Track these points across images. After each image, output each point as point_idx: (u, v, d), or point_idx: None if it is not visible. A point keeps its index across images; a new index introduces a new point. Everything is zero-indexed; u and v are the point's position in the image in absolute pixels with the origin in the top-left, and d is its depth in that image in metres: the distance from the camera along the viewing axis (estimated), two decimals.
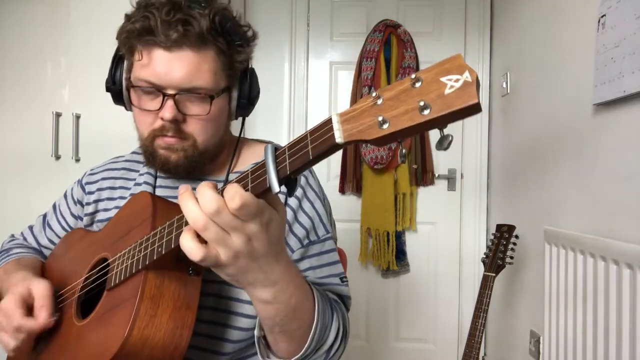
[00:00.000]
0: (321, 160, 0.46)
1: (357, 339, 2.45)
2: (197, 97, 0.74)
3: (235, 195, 0.48)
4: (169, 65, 0.72)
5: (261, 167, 0.50)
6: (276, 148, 0.49)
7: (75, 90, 1.76)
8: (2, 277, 0.82)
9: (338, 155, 2.42)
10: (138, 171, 0.91)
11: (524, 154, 1.89)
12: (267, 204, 0.51)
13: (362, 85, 2.35)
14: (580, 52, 1.41)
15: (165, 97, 0.73)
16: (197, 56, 0.73)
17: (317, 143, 0.45)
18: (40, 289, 0.73)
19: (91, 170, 0.96)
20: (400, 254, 2.37)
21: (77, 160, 1.75)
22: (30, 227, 1.00)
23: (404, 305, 2.44)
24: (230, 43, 0.76)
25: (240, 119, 0.88)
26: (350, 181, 2.39)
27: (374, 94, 0.42)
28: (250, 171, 0.51)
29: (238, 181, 0.51)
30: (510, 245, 1.67)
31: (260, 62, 2.50)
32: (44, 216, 0.99)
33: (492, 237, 1.72)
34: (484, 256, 1.70)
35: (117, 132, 1.61)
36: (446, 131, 0.41)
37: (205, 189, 0.49)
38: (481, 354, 1.74)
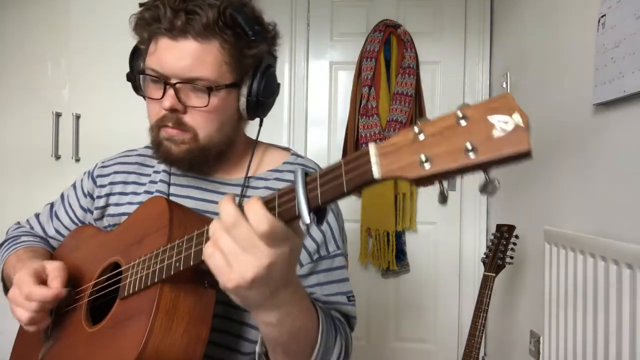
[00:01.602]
0: (355, 192, 0.43)
1: (357, 339, 2.44)
2: (198, 88, 0.73)
3: (263, 220, 0.47)
4: (171, 53, 0.72)
5: (290, 191, 0.47)
6: (306, 173, 0.47)
7: (75, 90, 1.76)
8: (15, 264, 0.82)
9: (338, 156, 2.42)
10: (152, 167, 0.89)
11: None
12: (292, 231, 0.49)
13: (362, 85, 2.35)
14: (580, 52, 1.41)
15: (167, 86, 0.73)
16: (201, 47, 0.72)
17: (352, 175, 0.42)
18: (54, 264, 0.74)
19: (102, 162, 0.94)
20: (400, 254, 2.37)
21: (77, 160, 1.75)
22: (37, 215, 0.99)
23: (404, 305, 2.44)
24: (240, 36, 0.74)
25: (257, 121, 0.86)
26: None
27: (415, 129, 0.39)
28: (278, 195, 0.49)
29: (265, 203, 0.49)
30: (510, 245, 1.66)
31: None
32: (52, 205, 0.97)
33: (492, 237, 1.72)
34: (484, 256, 1.70)
35: (117, 132, 1.61)
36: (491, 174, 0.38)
37: (225, 202, 0.49)
38: (481, 354, 1.74)
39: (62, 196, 0.97)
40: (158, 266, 0.61)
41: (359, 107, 2.35)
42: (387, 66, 2.36)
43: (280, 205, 0.48)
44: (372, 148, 0.41)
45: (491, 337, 2.28)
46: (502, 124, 0.35)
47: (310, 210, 0.45)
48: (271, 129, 2.45)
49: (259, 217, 0.47)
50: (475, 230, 2.40)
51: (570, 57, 1.48)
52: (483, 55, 2.39)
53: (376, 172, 0.40)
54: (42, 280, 0.73)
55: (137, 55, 0.81)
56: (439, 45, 2.42)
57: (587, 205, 1.36)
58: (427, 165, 0.37)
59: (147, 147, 0.92)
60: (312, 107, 2.49)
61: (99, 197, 0.89)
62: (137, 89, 0.81)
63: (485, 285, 1.66)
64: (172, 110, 0.74)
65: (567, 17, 1.52)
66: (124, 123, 1.38)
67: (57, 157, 1.75)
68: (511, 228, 1.68)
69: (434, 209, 2.42)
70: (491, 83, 2.37)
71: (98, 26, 1.72)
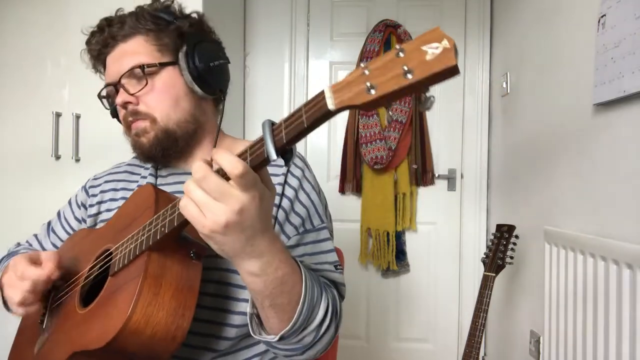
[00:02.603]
0: (315, 128, 0.49)
1: (357, 339, 2.45)
2: (136, 75, 0.82)
3: (238, 163, 0.52)
4: (113, 62, 0.84)
5: (259, 141, 0.53)
6: (272, 123, 0.52)
7: (75, 90, 1.76)
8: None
9: (338, 155, 2.42)
10: (139, 174, 0.95)
11: (524, 153, 1.89)
12: (261, 180, 0.55)
13: None
14: (580, 52, 1.41)
15: (117, 87, 0.83)
16: (129, 44, 0.83)
17: (311, 112, 0.48)
18: (47, 251, 0.78)
19: (94, 176, 1.00)
20: (400, 254, 2.37)
21: (77, 160, 1.74)
22: (35, 235, 1.03)
23: (404, 305, 2.44)
24: (158, 23, 0.83)
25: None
26: (350, 181, 2.39)
27: (361, 65, 0.46)
28: (249, 146, 0.54)
29: (238, 155, 0.54)
30: (510, 245, 1.66)
31: (260, 62, 2.51)
32: (49, 223, 1.02)
33: (492, 237, 1.72)
34: (484, 256, 1.70)
35: (117, 132, 1.61)
36: (429, 94, 0.45)
37: (198, 162, 0.55)
38: (481, 354, 1.74)
39: (58, 213, 1.02)
40: (145, 236, 0.64)
41: None
42: None
43: (251, 154, 0.53)
44: (326, 88, 0.48)
45: (491, 337, 2.28)
46: (433, 49, 0.41)
47: (276, 149, 0.50)
48: None
49: (233, 162, 0.52)
50: (475, 230, 2.40)
51: (570, 57, 1.48)
52: (483, 55, 2.39)
53: (330, 104, 0.47)
54: (37, 264, 0.76)
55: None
56: None
57: (587, 205, 1.36)
58: (372, 92, 0.44)
59: (134, 157, 0.98)
60: None
61: (91, 205, 0.94)
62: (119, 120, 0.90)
63: (485, 285, 1.66)
64: (126, 103, 0.82)
65: (567, 17, 1.52)
66: None
67: (57, 157, 1.75)
68: (511, 228, 1.68)
69: (434, 209, 2.42)
70: (491, 83, 2.37)
71: None
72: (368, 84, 0.44)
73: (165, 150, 0.84)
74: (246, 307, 0.77)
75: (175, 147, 0.85)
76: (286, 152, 0.52)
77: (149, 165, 0.93)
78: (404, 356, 2.43)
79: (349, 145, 2.38)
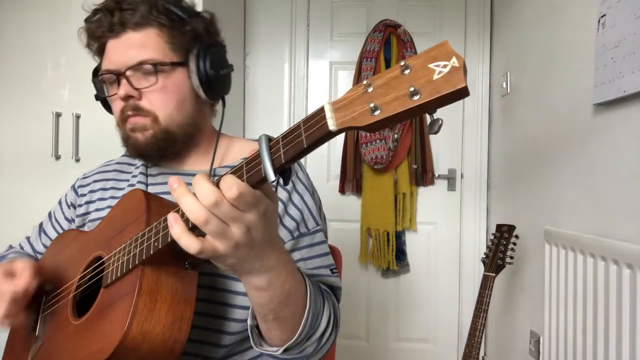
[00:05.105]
0: (315, 148, 0.47)
1: (357, 339, 2.45)
2: (146, 70, 0.79)
3: (232, 185, 0.49)
4: (117, 49, 0.80)
5: (255, 157, 0.50)
6: (270, 138, 0.50)
7: (75, 90, 1.76)
8: None
9: (338, 155, 2.42)
10: (130, 172, 0.93)
11: (524, 153, 1.89)
12: (263, 194, 0.52)
13: None
14: (580, 52, 1.41)
15: (120, 78, 0.79)
16: (140, 35, 0.79)
17: (310, 132, 0.46)
18: (22, 261, 0.76)
19: (83, 175, 0.99)
20: (400, 254, 2.37)
21: (77, 160, 1.74)
22: (27, 238, 1.02)
23: (404, 305, 2.44)
24: (173, 19, 0.80)
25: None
26: (350, 181, 2.39)
27: (364, 82, 0.43)
28: (245, 162, 0.51)
29: (233, 172, 0.52)
30: (510, 245, 1.66)
31: (260, 62, 2.51)
32: (40, 225, 1.01)
33: (492, 237, 1.72)
34: (484, 256, 1.70)
35: (117, 132, 1.61)
36: (437, 116, 0.42)
37: (201, 181, 0.50)
38: (481, 354, 1.74)
39: (49, 214, 1.00)
40: (138, 249, 0.63)
41: None
42: (388, 66, 2.36)
43: (248, 171, 0.51)
44: (326, 105, 0.45)
45: (491, 337, 2.28)
46: (440, 68, 0.39)
47: (275, 169, 0.48)
48: (271, 129, 2.46)
49: (228, 183, 0.49)
50: (475, 230, 2.40)
51: (570, 57, 1.48)
52: (483, 55, 2.39)
53: (331, 125, 0.44)
54: (12, 276, 0.74)
55: (97, 74, 0.87)
56: None
57: (587, 206, 1.36)
58: (376, 113, 0.41)
59: (124, 155, 0.97)
60: (312, 107, 2.49)
61: (80, 205, 0.93)
62: (108, 106, 0.88)
63: (485, 285, 1.66)
64: (128, 97, 0.79)
65: (567, 17, 1.52)
66: None
67: (57, 157, 1.75)
68: (511, 228, 1.68)
69: (434, 209, 2.42)
70: (491, 83, 2.37)
71: None
72: (372, 104, 0.41)
73: (162, 150, 0.82)
74: (240, 314, 0.77)
75: (173, 148, 0.83)
76: (285, 170, 0.50)
77: (139, 164, 0.91)
78: (404, 356, 2.43)
79: (349, 145, 2.38)
